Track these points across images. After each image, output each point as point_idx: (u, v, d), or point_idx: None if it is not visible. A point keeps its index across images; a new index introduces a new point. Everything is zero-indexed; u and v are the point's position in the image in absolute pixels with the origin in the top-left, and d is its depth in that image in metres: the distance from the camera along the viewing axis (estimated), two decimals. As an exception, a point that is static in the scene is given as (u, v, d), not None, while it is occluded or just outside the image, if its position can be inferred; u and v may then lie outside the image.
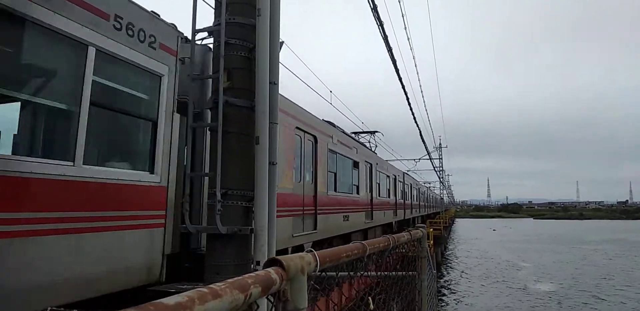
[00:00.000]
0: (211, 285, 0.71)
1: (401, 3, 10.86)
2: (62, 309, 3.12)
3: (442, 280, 26.44)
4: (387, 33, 8.69)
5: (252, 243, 3.64)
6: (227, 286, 0.72)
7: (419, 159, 44.95)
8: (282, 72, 4.11)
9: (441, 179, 62.07)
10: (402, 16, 11.36)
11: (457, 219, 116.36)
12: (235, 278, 0.79)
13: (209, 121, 4.01)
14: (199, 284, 4.32)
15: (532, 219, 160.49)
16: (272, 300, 1.03)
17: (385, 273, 2.43)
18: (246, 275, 0.84)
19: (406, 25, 12.25)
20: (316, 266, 1.16)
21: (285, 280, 0.98)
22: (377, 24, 8.35)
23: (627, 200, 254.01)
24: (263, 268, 0.99)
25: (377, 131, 27.71)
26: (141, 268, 4.11)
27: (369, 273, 1.97)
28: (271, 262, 1.02)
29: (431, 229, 26.20)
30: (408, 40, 13.31)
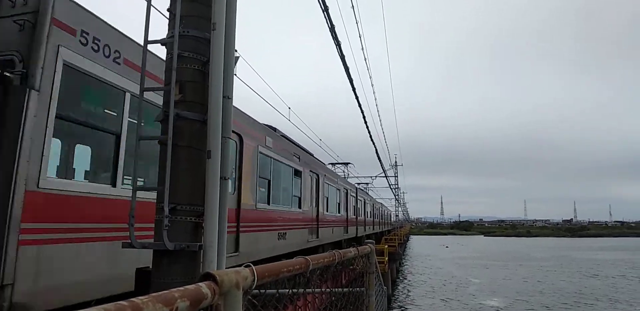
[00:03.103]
0: (133, 299, 0.69)
1: (359, 24, 11.18)
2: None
3: (396, 296, 26.60)
4: (344, 52, 8.88)
5: (201, 260, 3.55)
6: (149, 299, 0.71)
7: (375, 176, 45.55)
8: (241, 87, 4.12)
9: (397, 197, 63.05)
10: (360, 37, 11.68)
11: (411, 236, 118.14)
12: (161, 292, 0.77)
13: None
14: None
15: (482, 236, 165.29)
16: (205, 315, 1.01)
17: (330, 289, 2.42)
18: (174, 289, 0.83)
19: (363, 46, 12.58)
20: (253, 281, 1.16)
21: (217, 294, 0.97)
22: (334, 43, 8.52)
23: (571, 218, 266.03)
24: (197, 282, 0.98)
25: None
26: None
27: (313, 289, 1.96)
28: (204, 276, 1.01)
29: (386, 246, 26.43)
30: (365, 60, 13.67)
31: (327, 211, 15.95)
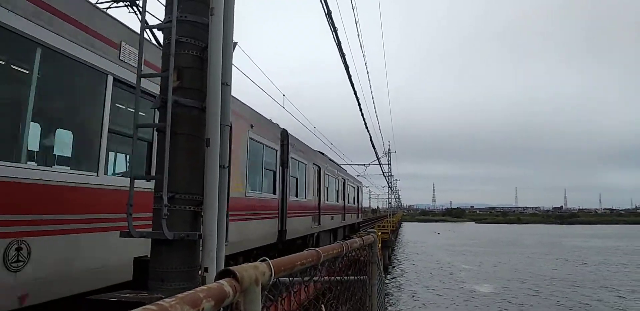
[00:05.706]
0: (160, 302, 0.65)
1: (355, 10, 11.02)
2: None
3: (388, 283, 26.92)
4: (340, 39, 8.76)
5: (200, 249, 3.52)
6: (177, 302, 0.66)
7: (369, 164, 45.62)
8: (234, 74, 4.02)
9: (390, 185, 63.33)
10: (355, 23, 11.53)
11: (404, 223, 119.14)
12: (186, 293, 0.73)
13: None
14: (142, 292, 4.14)
15: (474, 223, 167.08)
16: (225, 313, 0.97)
17: (337, 278, 2.40)
18: (198, 289, 0.79)
19: (359, 32, 12.44)
20: (271, 276, 1.12)
21: (238, 291, 0.93)
22: (330, 29, 8.40)
23: (561, 206, 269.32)
24: (215, 280, 0.94)
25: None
26: None
27: (322, 278, 1.94)
28: (224, 273, 0.96)
29: (379, 233, 26.64)
30: (360, 47, 13.54)
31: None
